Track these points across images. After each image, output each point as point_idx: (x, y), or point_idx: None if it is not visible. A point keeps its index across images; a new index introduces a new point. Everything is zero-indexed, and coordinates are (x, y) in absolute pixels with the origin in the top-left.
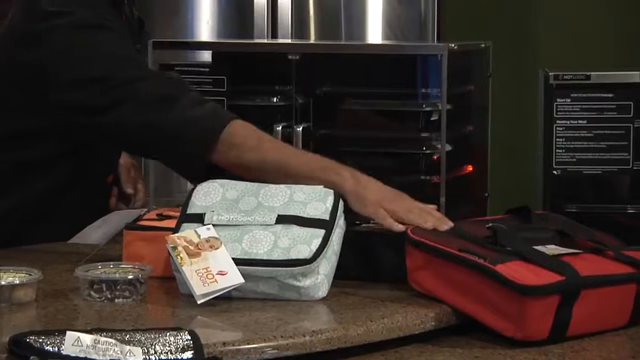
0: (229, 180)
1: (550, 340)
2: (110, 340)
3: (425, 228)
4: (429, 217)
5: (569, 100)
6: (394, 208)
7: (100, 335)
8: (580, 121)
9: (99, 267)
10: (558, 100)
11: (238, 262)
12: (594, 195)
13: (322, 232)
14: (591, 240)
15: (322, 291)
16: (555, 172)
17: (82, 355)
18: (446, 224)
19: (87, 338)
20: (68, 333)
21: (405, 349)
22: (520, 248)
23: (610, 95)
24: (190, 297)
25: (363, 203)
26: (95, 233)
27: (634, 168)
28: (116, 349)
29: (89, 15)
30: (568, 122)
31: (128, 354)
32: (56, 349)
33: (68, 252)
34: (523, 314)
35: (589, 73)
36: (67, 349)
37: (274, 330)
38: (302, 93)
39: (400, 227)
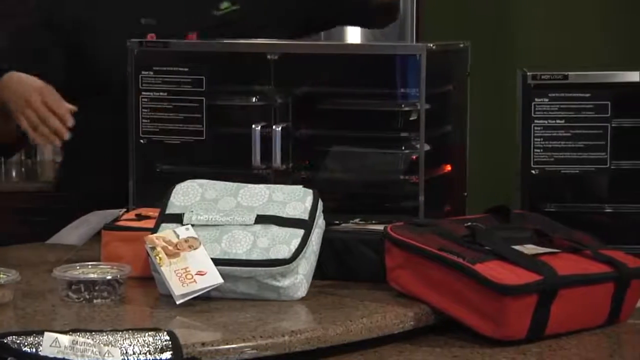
0: (207, 181)
1: (528, 339)
2: (88, 341)
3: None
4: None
5: (547, 100)
6: (34, 120)
7: (79, 336)
8: (558, 121)
9: (78, 267)
10: (536, 100)
11: (217, 262)
12: (572, 194)
13: (301, 232)
14: (569, 240)
15: (302, 291)
16: (533, 171)
17: (60, 356)
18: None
19: (65, 339)
20: (46, 334)
21: (384, 348)
22: (499, 248)
23: (587, 94)
24: (169, 297)
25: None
26: (73, 233)
27: (612, 167)
28: (94, 350)
29: None
30: (546, 122)
31: (106, 355)
32: (34, 350)
33: (46, 253)
34: (502, 314)
35: (566, 73)
36: (45, 350)
37: (253, 331)
38: (281, 93)
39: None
